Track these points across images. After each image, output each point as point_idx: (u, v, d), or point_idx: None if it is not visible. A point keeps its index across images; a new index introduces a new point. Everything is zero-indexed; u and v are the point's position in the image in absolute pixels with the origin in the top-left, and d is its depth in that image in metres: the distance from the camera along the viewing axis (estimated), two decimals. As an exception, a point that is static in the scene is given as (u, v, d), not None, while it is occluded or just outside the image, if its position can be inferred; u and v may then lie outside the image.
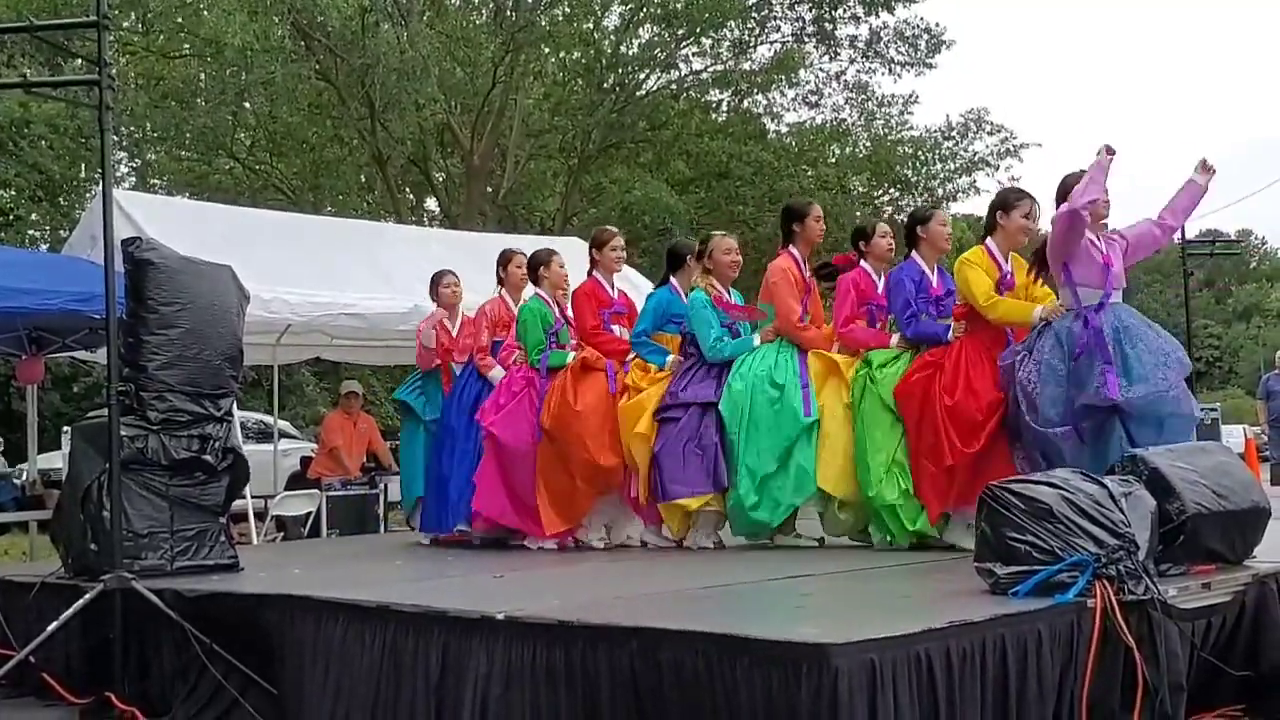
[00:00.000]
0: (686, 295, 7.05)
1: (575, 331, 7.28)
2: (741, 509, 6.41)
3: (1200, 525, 4.35)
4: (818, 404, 6.34)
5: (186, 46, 21.04)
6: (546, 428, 6.93)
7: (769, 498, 6.35)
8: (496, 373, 7.53)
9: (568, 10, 22.86)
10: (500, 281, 8.02)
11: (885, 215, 23.32)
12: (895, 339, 6.34)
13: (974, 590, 4.08)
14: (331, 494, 10.38)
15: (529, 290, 7.71)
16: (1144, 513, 4.13)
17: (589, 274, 7.39)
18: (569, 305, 7.43)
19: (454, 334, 8.15)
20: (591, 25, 23.59)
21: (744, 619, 4.21)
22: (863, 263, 6.68)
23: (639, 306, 7.54)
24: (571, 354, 7.13)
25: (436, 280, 8.43)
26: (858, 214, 24.27)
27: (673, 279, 7.21)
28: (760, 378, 6.47)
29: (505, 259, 8.04)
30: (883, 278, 6.57)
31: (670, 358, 6.89)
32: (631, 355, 7.07)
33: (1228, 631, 4.32)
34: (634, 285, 10.70)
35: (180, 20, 19.80)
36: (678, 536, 6.73)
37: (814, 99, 26.12)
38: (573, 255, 8.37)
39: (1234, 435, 21.09)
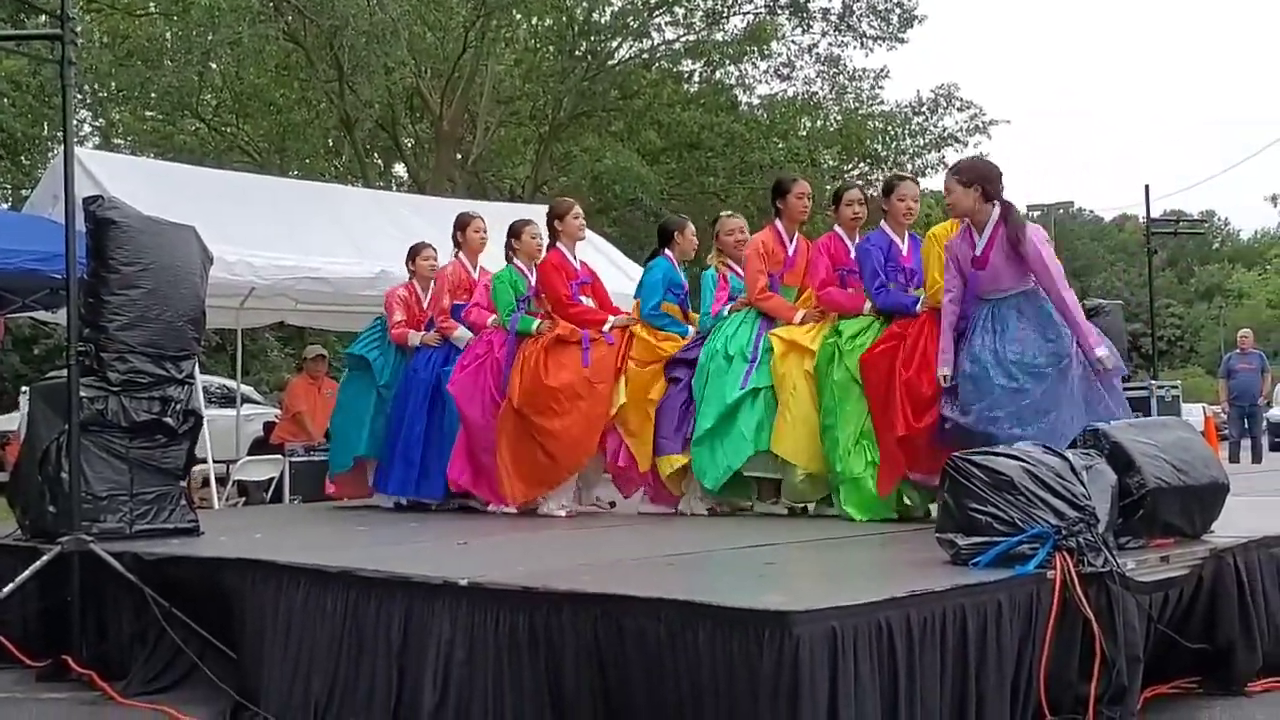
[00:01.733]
0: (679, 266, 7.32)
1: (548, 304, 7.28)
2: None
3: (1160, 499, 4.38)
4: (771, 377, 6.44)
5: (152, 4, 20.80)
6: (516, 403, 6.96)
7: (709, 460, 6.52)
8: (461, 333, 7.63)
9: (540, -25, 22.74)
10: (457, 245, 8.02)
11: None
12: (868, 305, 6.37)
13: (935, 560, 4.10)
14: (294, 460, 10.32)
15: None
16: (1104, 486, 4.16)
17: (551, 246, 7.37)
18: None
19: (425, 307, 8.12)
20: (564, -9, 23.43)
21: (707, 586, 4.22)
22: (836, 228, 6.74)
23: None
24: (538, 321, 7.15)
25: (415, 252, 8.30)
26: (828, 187, 24.27)
27: (667, 251, 7.29)
28: (718, 351, 6.62)
29: (462, 223, 8.06)
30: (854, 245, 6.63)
31: (693, 328, 7.09)
32: (624, 320, 7.13)
33: (1185, 605, 4.36)
34: (601, 253, 10.70)
35: (147, -23, 19.55)
36: (676, 495, 6.83)
37: (786, 71, 26.14)
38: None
39: (1194, 414, 21.27)
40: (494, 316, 7.40)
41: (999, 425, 5.34)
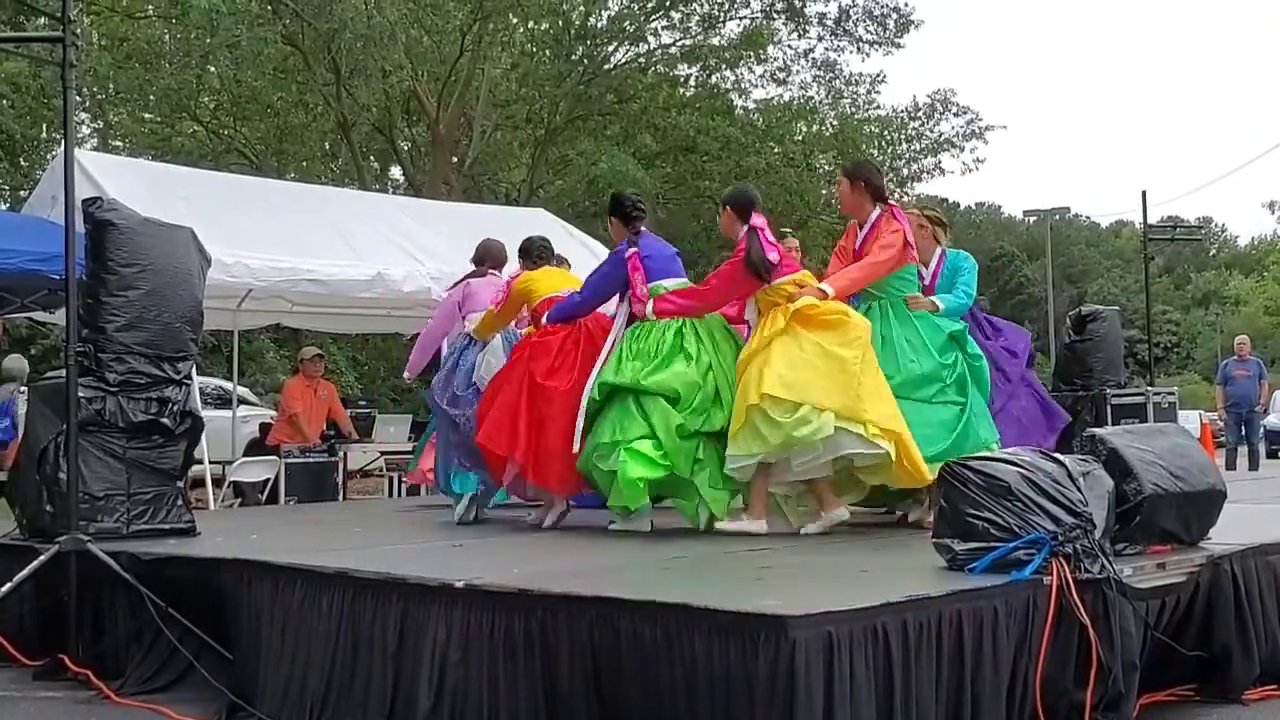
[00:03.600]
0: None
1: None
2: None
3: (1157, 506, 4.39)
4: None
5: (151, 7, 20.78)
6: None
7: None
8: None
9: (536, -21, 22.75)
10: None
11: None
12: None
13: (932, 565, 4.10)
14: (290, 461, 10.32)
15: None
16: (1102, 492, 4.16)
17: None
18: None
19: None
20: (560, -5, 23.46)
21: (703, 590, 4.22)
22: None
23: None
24: None
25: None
26: (823, 191, 24.34)
27: None
28: None
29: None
30: None
31: None
32: None
33: (1181, 612, 4.37)
34: (597, 257, 10.69)
35: (146, -20, 19.55)
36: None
37: (782, 76, 26.17)
38: (540, 227, 8.31)
39: (1190, 420, 21.31)
40: None
41: None
